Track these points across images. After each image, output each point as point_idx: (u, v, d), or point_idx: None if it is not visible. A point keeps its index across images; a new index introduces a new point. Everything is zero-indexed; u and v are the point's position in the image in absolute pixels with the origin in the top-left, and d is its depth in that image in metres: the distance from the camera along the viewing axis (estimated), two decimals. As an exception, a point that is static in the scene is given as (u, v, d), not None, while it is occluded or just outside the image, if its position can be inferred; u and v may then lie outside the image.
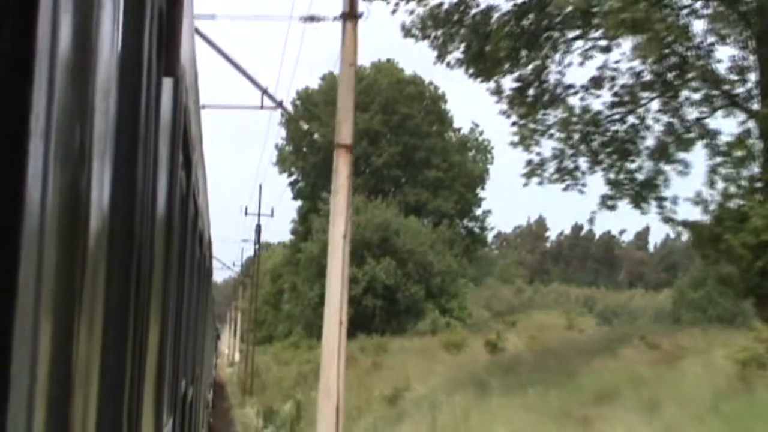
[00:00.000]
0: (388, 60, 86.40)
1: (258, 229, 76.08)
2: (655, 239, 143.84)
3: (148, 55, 2.64)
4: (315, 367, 45.68)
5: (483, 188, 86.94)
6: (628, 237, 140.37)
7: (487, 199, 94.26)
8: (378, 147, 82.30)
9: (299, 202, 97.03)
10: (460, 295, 76.31)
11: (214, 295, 35.30)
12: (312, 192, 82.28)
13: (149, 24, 2.63)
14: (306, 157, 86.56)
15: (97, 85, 1.83)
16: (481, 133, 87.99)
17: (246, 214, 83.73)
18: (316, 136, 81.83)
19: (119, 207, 2.30)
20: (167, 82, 3.38)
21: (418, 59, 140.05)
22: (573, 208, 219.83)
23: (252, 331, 73.64)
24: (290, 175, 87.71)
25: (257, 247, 77.42)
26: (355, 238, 61.66)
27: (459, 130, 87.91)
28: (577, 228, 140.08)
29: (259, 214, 78.36)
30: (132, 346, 2.58)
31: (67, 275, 1.62)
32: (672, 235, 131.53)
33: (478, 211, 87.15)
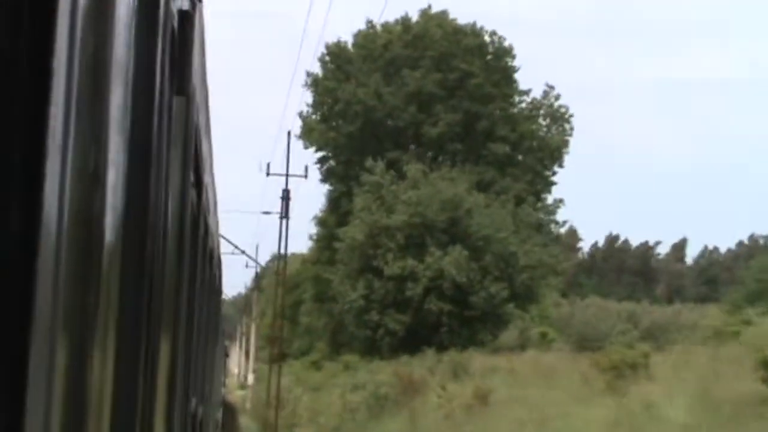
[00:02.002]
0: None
1: (286, 197, 51.38)
2: (692, 251, 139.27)
3: (160, 74, 2.65)
4: (371, 394, 41.64)
5: (561, 165, 69.46)
6: (663, 249, 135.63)
7: (561, 184, 74.82)
8: (431, 114, 66.46)
9: (320, 192, 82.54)
10: (541, 298, 60.88)
11: (223, 312, 29.49)
12: (345, 171, 68.32)
13: (161, 43, 2.64)
14: (338, 127, 69.24)
15: (111, 104, 1.85)
16: (557, 97, 69.89)
17: (268, 173, 54.54)
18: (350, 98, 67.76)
19: (132, 226, 2.32)
20: (179, 101, 3.39)
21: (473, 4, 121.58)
22: (606, 217, 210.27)
23: (278, 340, 57.63)
24: (318, 149, 69.58)
25: (284, 219, 51.32)
26: (411, 220, 56.45)
27: (528, 92, 70.21)
28: (611, 238, 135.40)
29: (287, 175, 51.81)
30: (144, 363, 2.59)
31: (81, 294, 1.63)
32: (710, 247, 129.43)
33: (549, 199, 69.36)
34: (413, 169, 59.65)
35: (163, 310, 3.05)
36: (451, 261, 55.05)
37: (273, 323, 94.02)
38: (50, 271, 1.30)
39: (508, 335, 53.83)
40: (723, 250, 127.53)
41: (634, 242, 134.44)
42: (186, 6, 3.49)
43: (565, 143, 68.59)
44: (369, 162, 61.43)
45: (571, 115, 69.26)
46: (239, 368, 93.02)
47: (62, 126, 1.32)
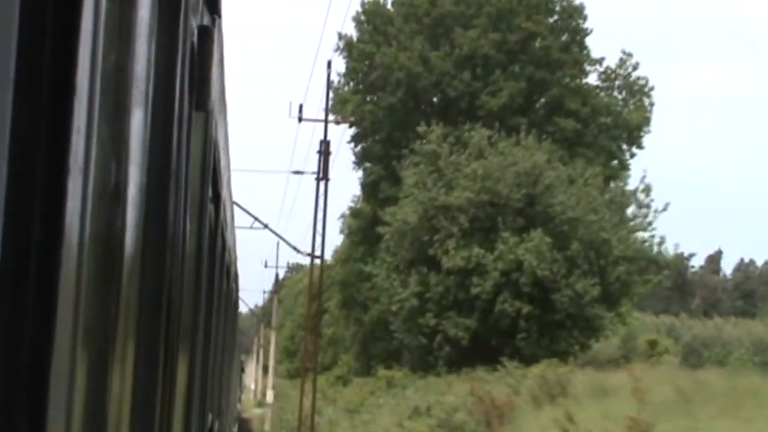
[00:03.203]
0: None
1: (325, 150, 43.39)
2: (726, 263, 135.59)
3: (180, 91, 2.67)
4: (441, 423, 32.88)
5: (639, 147, 58.16)
6: (698, 261, 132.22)
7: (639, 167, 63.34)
8: (488, 82, 55.49)
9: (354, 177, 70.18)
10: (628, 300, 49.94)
11: (239, 325, 29.27)
12: (385, 150, 57.60)
13: (181, 59, 2.66)
14: (376, 99, 58.24)
15: (132, 121, 1.86)
16: (635, 66, 58.02)
17: (300, 118, 45.79)
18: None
19: (150, 241, 2.33)
20: (198, 117, 3.41)
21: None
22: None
23: (313, 346, 46.11)
24: (352, 125, 56.25)
25: (322, 181, 44.24)
26: (478, 198, 45.03)
27: (601, 61, 58.55)
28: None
29: (326, 120, 45.29)
30: (162, 378, 2.60)
31: (102, 308, 1.64)
32: (746, 260, 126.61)
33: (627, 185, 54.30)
34: (478, 135, 48.37)
35: (181, 324, 3.06)
36: (530, 249, 43.75)
37: (293, 335, 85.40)
38: (71, 286, 1.31)
39: (607, 344, 43.91)
40: (759, 263, 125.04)
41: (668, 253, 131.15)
42: (206, 21, 3.50)
43: (646, 120, 57.34)
44: (422, 127, 50.12)
45: (651, 88, 57.74)
46: (256, 384, 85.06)
47: (84, 143, 1.33)
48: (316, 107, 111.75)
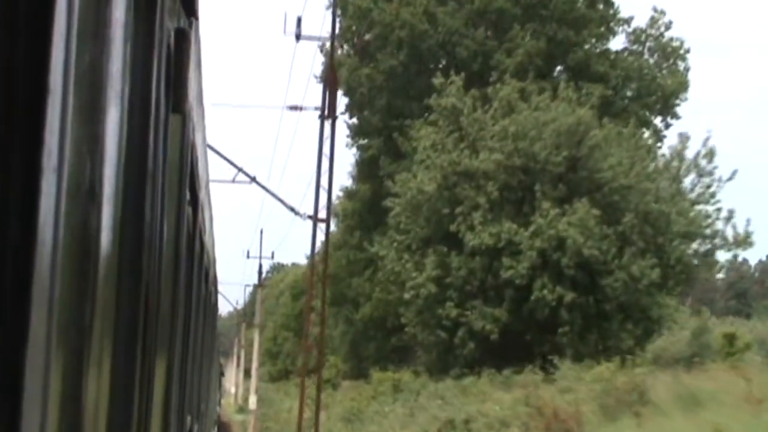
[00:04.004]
0: None
1: (331, 65, 36.60)
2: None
3: (156, 93, 2.66)
4: None
5: (675, 117, 50.87)
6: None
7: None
8: (504, 40, 48.35)
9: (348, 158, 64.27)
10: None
11: (218, 328, 26.59)
12: (385, 121, 49.85)
13: (157, 61, 2.65)
14: (375, 61, 50.15)
15: (107, 122, 1.86)
16: (668, 26, 50.54)
17: (298, 36, 38.16)
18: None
19: (127, 243, 2.33)
20: (175, 119, 3.40)
21: None
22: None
23: (320, 345, 36.66)
24: (347, 93, 49.84)
25: (327, 119, 34.92)
26: (509, 162, 37.14)
27: (629, 20, 51.01)
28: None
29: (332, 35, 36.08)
30: (139, 380, 2.59)
31: (77, 310, 1.64)
32: (740, 259, 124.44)
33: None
34: (507, 88, 40.37)
35: (158, 327, 3.06)
36: (574, 223, 35.81)
37: (276, 336, 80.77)
38: (46, 286, 1.30)
39: (671, 340, 35.92)
40: (753, 262, 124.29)
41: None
42: (182, 24, 3.50)
43: (683, 86, 49.82)
44: (438, 78, 42.07)
45: (687, 51, 50.28)
46: (237, 387, 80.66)
47: (58, 143, 1.33)
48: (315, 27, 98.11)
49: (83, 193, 1.63)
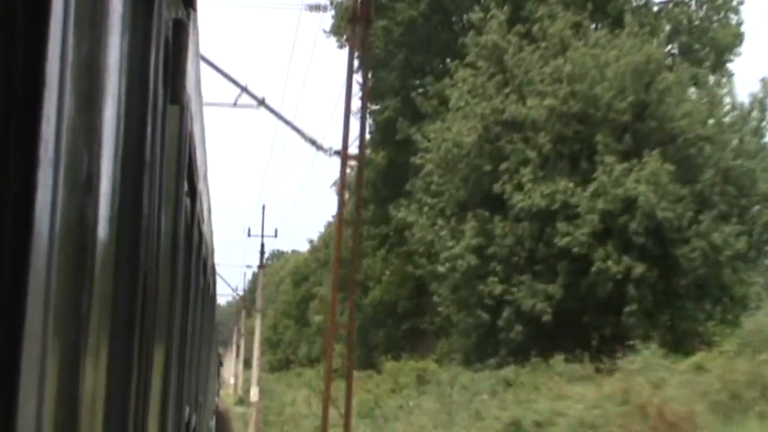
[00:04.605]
0: None
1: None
2: None
3: (154, 83, 2.66)
4: None
5: (728, 75, 41.49)
6: None
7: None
8: None
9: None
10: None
11: (217, 317, 23.95)
12: (403, 80, 44.07)
13: (155, 52, 2.65)
14: (392, 12, 43.06)
15: (104, 113, 1.86)
16: None
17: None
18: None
19: (125, 234, 2.33)
20: (173, 110, 3.40)
21: None
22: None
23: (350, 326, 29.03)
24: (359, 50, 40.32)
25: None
26: (564, 109, 31.13)
27: None
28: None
29: None
30: (137, 372, 2.59)
31: (74, 302, 1.64)
32: None
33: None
34: (560, 22, 34.08)
35: (156, 317, 3.06)
36: (646, 180, 30.12)
37: (276, 324, 77.69)
38: (42, 279, 1.30)
39: (756, 321, 28.95)
40: None
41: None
42: (180, 15, 3.50)
43: (738, 38, 42.06)
44: (476, 13, 36.27)
45: (740, 2, 42.93)
46: (236, 378, 76.78)
47: (54, 134, 1.33)
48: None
49: (80, 185, 1.63)
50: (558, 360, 29.24)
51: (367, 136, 47.27)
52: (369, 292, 48.08)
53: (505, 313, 32.98)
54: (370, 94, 40.70)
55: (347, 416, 26.63)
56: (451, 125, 34.54)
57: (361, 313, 48.32)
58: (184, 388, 5.87)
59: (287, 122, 29.37)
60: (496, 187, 33.42)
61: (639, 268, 30.36)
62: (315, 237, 76.81)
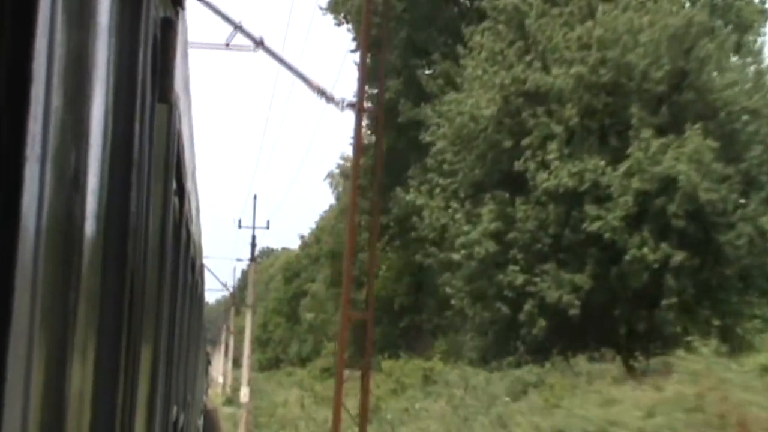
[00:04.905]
0: None
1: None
2: None
3: (142, 82, 2.66)
4: None
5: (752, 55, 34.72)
6: None
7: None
8: None
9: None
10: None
11: (205, 315, 24.10)
12: (405, 59, 41.03)
13: (143, 51, 2.65)
14: None
15: (92, 111, 1.85)
16: None
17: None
18: None
19: (112, 233, 2.32)
20: (161, 109, 3.40)
21: None
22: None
23: (368, 315, 26.77)
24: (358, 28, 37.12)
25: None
26: (593, 78, 28.60)
27: None
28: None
29: None
30: (124, 370, 2.59)
31: (60, 300, 1.64)
32: None
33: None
34: None
35: (143, 316, 3.06)
36: (686, 158, 26.91)
37: (266, 322, 75.80)
38: (29, 276, 1.30)
39: None
40: None
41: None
42: (168, 13, 3.50)
43: (763, 15, 36.27)
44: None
45: None
46: (224, 377, 74.70)
47: (41, 131, 1.32)
48: None
49: (68, 182, 1.62)
50: (581, 359, 26.91)
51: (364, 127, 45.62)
52: (364, 287, 44.64)
53: (528, 305, 29.46)
54: (368, 77, 37.53)
55: (363, 418, 23.23)
56: (467, 97, 31.21)
57: (354, 310, 44.92)
58: (172, 386, 5.86)
59: (290, 67, 25.11)
60: (518, 166, 29.84)
61: (678, 256, 27.09)
62: (306, 233, 75.71)
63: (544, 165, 29.29)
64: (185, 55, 4.67)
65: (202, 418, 28.91)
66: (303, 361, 60.68)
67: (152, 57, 2.91)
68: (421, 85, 37.67)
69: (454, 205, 31.58)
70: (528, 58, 30.78)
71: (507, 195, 30.64)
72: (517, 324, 30.00)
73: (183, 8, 3.89)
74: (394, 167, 38.20)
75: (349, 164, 47.46)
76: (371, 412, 27.50)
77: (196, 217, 8.68)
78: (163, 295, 4.05)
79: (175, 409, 6.69)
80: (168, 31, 3.35)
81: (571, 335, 28.70)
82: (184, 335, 7.64)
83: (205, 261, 20.94)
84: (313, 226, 69.87)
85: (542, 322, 29.12)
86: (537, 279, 29.39)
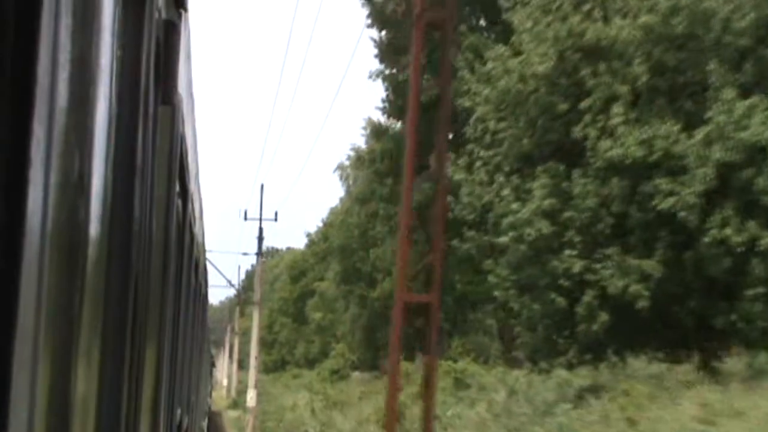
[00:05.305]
0: None
1: None
2: None
3: (145, 84, 2.66)
4: None
5: None
6: None
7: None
8: None
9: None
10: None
11: (209, 317, 22.62)
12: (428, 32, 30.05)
13: (146, 53, 2.65)
14: None
15: (96, 114, 1.86)
16: None
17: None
18: None
19: (116, 235, 2.33)
20: (165, 111, 3.41)
21: None
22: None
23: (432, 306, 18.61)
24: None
25: None
26: (663, 29, 24.44)
27: None
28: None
29: None
30: (129, 373, 2.59)
31: (65, 302, 1.64)
32: None
33: None
34: None
35: (148, 318, 3.06)
36: None
37: (271, 323, 73.33)
38: (34, 279, 1.30)
39: None
40: None
41: None
42: (171, 16, 3.50)
43: None
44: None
45: None
46: (229, 379, 71.78)
47: (46, 133, 1.33)
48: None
49: (72, 185, 1.63)
50: (641, 359, 23.25)
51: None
52: (377, 284, 42.84)
53: (587, 296, 25.18)
54: (387, 51, 34.59)
55: (428, 419, 18.66)
56: (501, 60, 26.87)
57: (366, 309, 44.15)
58: (176, 388, 5.87)
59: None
60: (575, 133, 25.60)
61: (767, 239, 23.08)
62: (312, 231, 73.38)
63: (607, 132, 25.01)
64: (188, 58, 4.67)
65: (206, 420, 28.95)
66: (310, 363, 58.46)
67: (155, 59, 2.92)
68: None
69: (500, 179, 26.91)
70: (586, 7, 26.67)
71: (562, 167, 26.47)
72: (574, 318, 25.56)
73: (186, 11, 3.90)
74: (416, 149, 34.94)
75: (361, 154, 44.66)
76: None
77: (199, 219, 8.69)
78: (166, 297, 4.05)
79: (179, 411, 6.70)
80: (171, 34, 3.36)
81: (635, 331, 24.97)
82: (187, 337, 7.65)
83: (208, 255, 20.61)
84: (320, 224, 68.02)
85: (603, 317, 24.90)
86: (598, 266, 25.31)
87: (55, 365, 1.57)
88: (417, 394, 26.01)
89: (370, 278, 45.00)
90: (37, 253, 1.31)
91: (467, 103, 28.28)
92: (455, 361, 31.37)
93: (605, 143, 24.84)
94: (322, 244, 58.62)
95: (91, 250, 1.90)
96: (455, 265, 32.60)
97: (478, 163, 28.15)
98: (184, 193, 5.51)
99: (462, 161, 28.79)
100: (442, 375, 28.05)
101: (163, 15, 3.22)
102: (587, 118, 25.51)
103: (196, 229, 7.93)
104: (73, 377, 1.77)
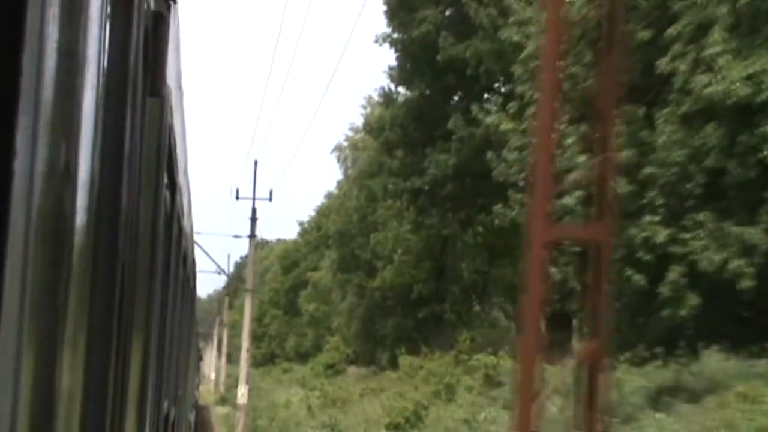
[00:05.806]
0: None
1: None
2: None
3: (134, 76, 2.66)
4: None
5: None
6: None
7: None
8: None
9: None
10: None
11: (197, 310, 21.32)
12: None
13: (135, 44, 2.65)
14: None
15: (83, 105, 1.85)
16: None
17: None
18: None
19: (103, 227, 2.32)
20: (153, 103, 3.40)
21: None
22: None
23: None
24: None
25: None
26: None
27: None
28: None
29: None
30: (115, 365, 2.59)
31: (51, 294, 1.63)
32: None
33: None
34: None
35: (134, 310, 3.05)
36: None
37: (261, 315, 69.19)
38: (18, 269, 1.30)
39: None
40: None
41: None
42: (160, 7, 3.49)
43: None
44: None
45: None
46: (217, 373, 68.95)
47: (32, 124, 1.32)
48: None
49: (58, 177, 1.62)
50: (719, 355, 18.87)
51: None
52: (377, 273, 40.17)
53: (672, 273, 20.21)
54: (397, 7, 31.20)
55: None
56: None
57: (365, 300, 41.09)
58: (163, 382, 5.86)
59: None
60: (661, 66, 20.41)
61: None
62: (305, 221, 70.27)
63: (702, 65, 19.59)
64: (177, 49, 4.66)
65: (194, 412, 28.92)
66: (302, 357, 55.59)
67: (144, 51, 2.91)
68: (467, 16, 29.88)
69: (560, 126, 18.48)
70: None
71: (641, 111, 21.12)
72: (655, 300, 20.56)
73: (174, 2, 3.89)
74: (428, 118, 31.60)
75: (358, 136, 41.88)
76: (407, 422, 20.02)
77: (188, 211, 8.68)
78: (154, 289, 4.05)
79: (166, 403, 6.70)
80: (159, 25, 3.35)
81: (734, 320, 20.04)
82: (175, 329, 7.65)
83: (197, 238, 20.00)
84: (312, 214, 63.93)
85: (693, 299, 19.93)
86: (687, 235, 20.11)
87: (39, 357, 1.57)
88: (435, 393, 24.32)
89: (370, 266, 42.13)
90: (22, 243, 1.31)
91: (515, 37, 24.26)
92: (468, 356, 28.06)
93: (702, 78, 19.36)
94: (315, 233, 55.97)
95: (77, 242, 1.90)
96: (467, 250, 29.12)
97: (531, 109, 21.76)
98: (173, 185, 5.50)
99: (512, 106, 23.86)
100: (469, 371, 25.67)
101: (152, 6, 3.21)
102: (675, 48, 20.11)
103: (185, 222, 7.92)
104: (58, 369, 1.76)
